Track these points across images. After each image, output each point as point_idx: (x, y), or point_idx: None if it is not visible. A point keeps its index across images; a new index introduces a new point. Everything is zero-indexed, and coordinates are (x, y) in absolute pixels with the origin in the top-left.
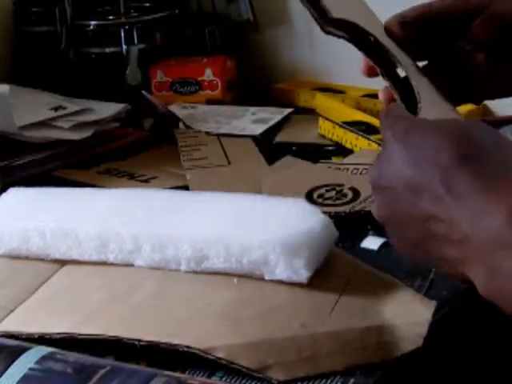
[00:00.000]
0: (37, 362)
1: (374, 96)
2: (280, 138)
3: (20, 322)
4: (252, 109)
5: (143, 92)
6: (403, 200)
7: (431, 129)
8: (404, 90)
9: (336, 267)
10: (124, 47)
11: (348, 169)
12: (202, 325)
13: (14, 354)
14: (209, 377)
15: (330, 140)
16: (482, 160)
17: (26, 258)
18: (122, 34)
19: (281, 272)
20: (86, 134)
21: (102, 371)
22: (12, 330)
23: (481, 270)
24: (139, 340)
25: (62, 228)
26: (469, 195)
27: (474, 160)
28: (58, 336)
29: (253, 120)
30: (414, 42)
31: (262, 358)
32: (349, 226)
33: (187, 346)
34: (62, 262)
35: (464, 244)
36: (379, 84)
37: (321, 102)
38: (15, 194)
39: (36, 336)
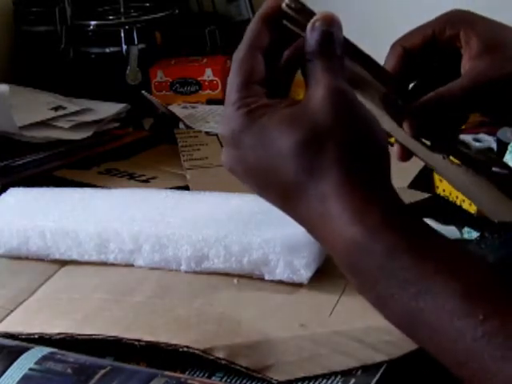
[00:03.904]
0: (37, 362)
1: None
2: None
3: (20, 322)
4: None
5: (143, 92)
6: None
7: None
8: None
9: (336, 267)
10: (124, 47)
11: None
12: (202, 325)
13: (14, 354)
14: (209, 377)
15: None
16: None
17: (26, 258)
18: (122, 34)
19: (281, 272)
20: (86, 134)
21: (102, 371)
22: (12, 330)
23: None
24: (139, 340)
25: (62, 228)
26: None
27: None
28: (58, 336)
29: None
30: None
31: (262, 358)
32: None
33: (187, 346)
34: (62, 262)
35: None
36: None
37: None
38: (15, 193)
39: (36, 336)
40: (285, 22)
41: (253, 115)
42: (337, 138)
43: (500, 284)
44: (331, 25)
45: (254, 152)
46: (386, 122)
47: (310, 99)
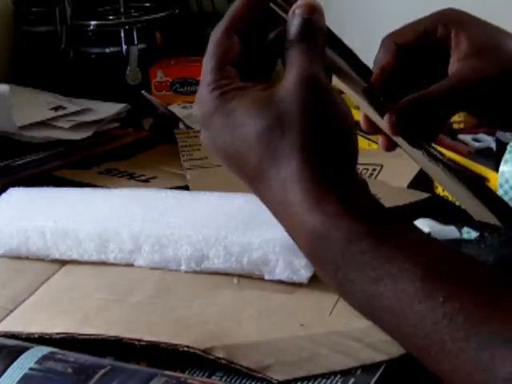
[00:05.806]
0: (37, 362)
1: None
2: None
3: (20, 322)
4: None
5: (143, 92)
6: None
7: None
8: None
9: None
10: (124, 47)
11: None
12: (202, 325)
13: (14, 354)
14: (209, 377)
15: None
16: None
17: (26, 258)
18: (122, 34)
19: (281, 272)
20: (86, 134)
21: (102, 371)
22: (12, 330)
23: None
24: (139, 340)
25: (62, 228)
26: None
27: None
28: (58, 336)
29: None
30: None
31: (262, 358)
32: None
33: (187, 346)
34: (62, 262)
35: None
36: None
37: None
38: (15, 193)
39: (36, 336)
40: (271, 5)
41: (224, 98)
42: (300, 125)
43: (460, 265)
44: (311, 12)
45: (221, 135)
46: (371, 113)
47: (281, 85)
